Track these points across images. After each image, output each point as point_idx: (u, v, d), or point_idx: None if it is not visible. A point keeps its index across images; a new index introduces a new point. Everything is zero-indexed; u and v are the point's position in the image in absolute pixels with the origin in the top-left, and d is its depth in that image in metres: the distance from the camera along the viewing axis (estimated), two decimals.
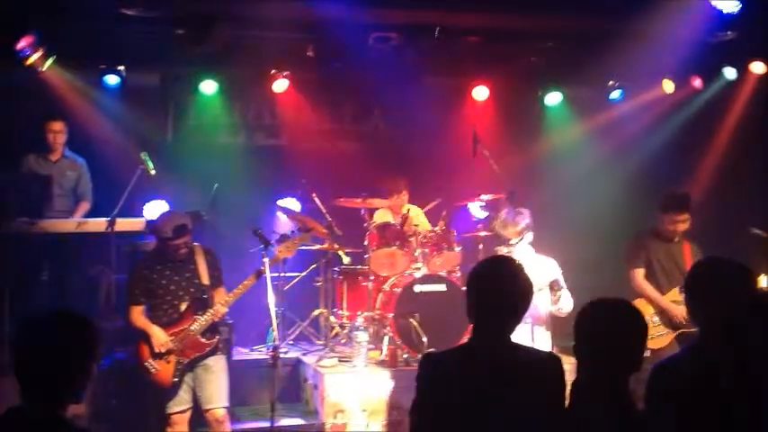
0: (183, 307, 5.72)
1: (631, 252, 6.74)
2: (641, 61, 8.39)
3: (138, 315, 5.74)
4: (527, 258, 5.64)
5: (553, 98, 9.57)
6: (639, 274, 6.65)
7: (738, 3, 7.54)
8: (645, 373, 3.18)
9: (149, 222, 7.23)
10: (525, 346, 3.39)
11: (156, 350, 5.61)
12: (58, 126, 7.58)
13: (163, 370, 5.63)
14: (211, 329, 5.74)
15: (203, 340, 5.70)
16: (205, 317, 5.68)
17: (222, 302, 5.73)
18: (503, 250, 5.74)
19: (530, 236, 5.79)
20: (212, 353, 5.76)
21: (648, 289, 6.59)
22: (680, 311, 6.35)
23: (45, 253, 7.07)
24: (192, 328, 5.66)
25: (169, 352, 5.62)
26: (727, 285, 3.26)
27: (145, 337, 5.66)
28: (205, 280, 5.79)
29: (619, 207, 8.46)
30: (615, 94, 9.44)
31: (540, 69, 9.13)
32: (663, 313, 6.48)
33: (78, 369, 2.77)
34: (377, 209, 8.09)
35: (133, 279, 5.80)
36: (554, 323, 5.70)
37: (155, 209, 7.68)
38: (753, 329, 2.90)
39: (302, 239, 6.48)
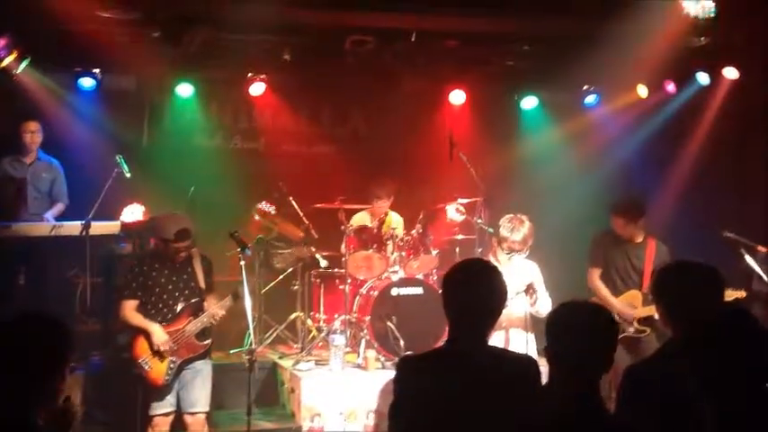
0: (179, 308, 5.71)
1: (590, 252, 6.83)
2: (616, 66, 8.44)
3: (132, 311, 5.69)
4: (509, 261, 5.65)
5: (529, 102, 9.62)
6: (595, 273, 6.74)
7: (712, 8, 7.62)
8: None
9: (126, 225, 7.20)
10: (501, 349, 3.42)
11: (157, 348, 5.58)
12: (33, 126, 7.53)
13: (156, 368, 5.61)
14: (204, 332, 5.74)
15: (198, 342, 5.69)
16: (201, 318, 5.67)
17: (220, 306, 5.72)
18: (500, 253, 5.69)
19: (522, 255, 5.79)
20: (203, 356, 5.76)
21: (602, 289, 6.66)
22: (630, 314, 6.43)
23: (20, 256, 7.02)
24: (187, 328, 5.65)
25: (165, 351, 5.59)
26: (696, 290, 3.30)
27: (141, 334, 5.63)
28: (201, 284, 5.80)
29: (594, 210, 8.49)
30: (590, 99, 9.51)
31: (516, 73, 9.18)
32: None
33: (52, 373, 2.75)
34: (355, 212, 8.10)
35: (132, 273, 5.75)
36: (537, 325, 5.71)
37: (133, 212, 7.64)
38: (722, 335, 2.93)
39: (300, 252, 6.49)
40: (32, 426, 2.72)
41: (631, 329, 6.46)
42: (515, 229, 5.65)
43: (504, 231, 5.68)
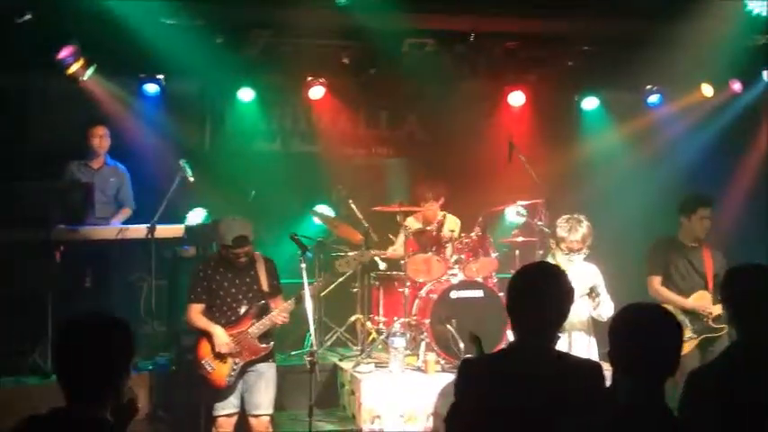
0: (242, 310, 5.78)
1: (649, 259, 6.72)
2: (679, 65, 8.31)
3: (198, 314, 5.79)
4: (570, 264, 5.61)
5: (590, 103, 9.52)
6: (656, 281, 6.61)
7: None
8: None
9: (189, 228, 7.31)
10: (565, 353, 3.37)
11: (217, 350, 5.66)
12: (101, 131, 7.69)
13: (218, 370, 5.69)
14: (267, 335, 5.79)
15: (260, 344, 5.75)
16: (263, 321, 5.73)
17: (282, 310, 5.78)
18: (559, 255, 5.66)
19: (582, 256, 5.74)
20: (266, 358, 5.82)
21: (666, 293, 6.53)
22: (706, 308, 6.30)
23: (86, 260, 7.16)
24: (249, 331, 5.72)
25: (227, 353, 5.67)
26: (759, 291, 3.23)
27: (205, 336, 5.72)
28: (265, 287, 5.86)
29: (656, 213, 8.36)
30: (653, 99, 9.36)
31: (576, 74, 9.08)
32: (686, 317, 6.41)
33: (117, 371, 2.82)
34: (411, 215, 8.09)
35: (197, 277, 5.85)
36: (598, 329, 5.64)
37: (196, 216, 7.77)
38: None
39: (363, 257, 6.52)
40: (101, 422, 2.78)
41: (708, 324, 6.33)
42: (573, 228, 5.62)
43: (561, 231, 5.64)
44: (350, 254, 6.26)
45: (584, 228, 5.64)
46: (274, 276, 5.97)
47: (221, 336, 5.67)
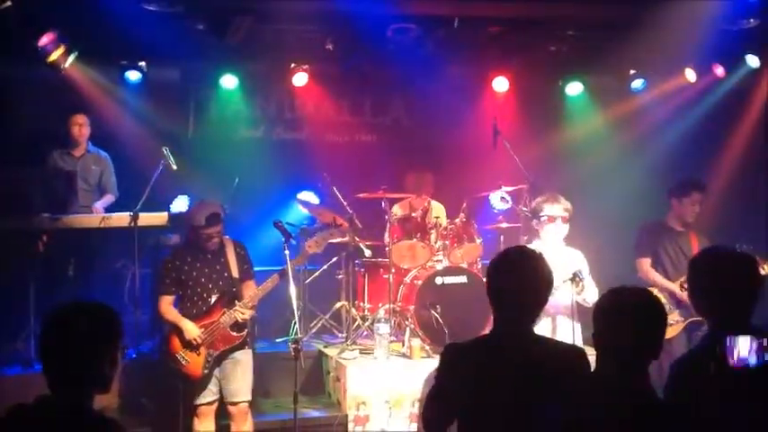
0: (213, 299, 5.75)
1: (638, 242, 6.80)
2: (663, 50, 8.32)
3: (168, 306, 5.76)
4: (555, 249, 5.63)
5: (574, 88, 9.53)
6: (646, 263, 6.71)
7: None
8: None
9: (173, 216, 7.29)
10: (547, 338, 3.39)
11: (189, 342, 5.65)
12: (81, 119, 7.64)
13: (193, 362, 5.68)
14: (239, 323, 5.76)
15: (233, 333, 5.73)
16: (234, 311, 5.71)
17: (248, 301, 5.74)
18: (550, 228, 5.67)
19: (566, 229, 5.75)
20: (241, 346, 5.80)
21: (656, 276, 6.63)
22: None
23: (70, 248, 7.13)
24: (221, 320, 5.70)
25: (200, 344, 5.66)
26: (728, 276, 3.23)
27: (176, 329, 5.70)
28: (235, 273, 5.82)
29: (641, 197, 8.40)
30: (637, 84, 9.37)
31: (560, 59, 9.06)
32: (672, 300, 6.46)
33: (103, 358, 2.81)
34: (397, 201, 8.09)
35: (165, 269, 5.81)
36: (582, 314, 5.66)
37: (180, 204, 7.75)
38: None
39: (332, 235, 6.48)
40: (86, 410, 2.78)
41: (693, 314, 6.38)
42: (556, 200, 5.68)
43: (548, 209, 5.67)
44: (318, 234, 6.22)
45: (563, 201, 5.70)
46: (245, 261, 5.93)
47: (191, 330, 5.65)
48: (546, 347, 3.27)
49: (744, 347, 2.99)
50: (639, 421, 2.85)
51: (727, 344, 3.00)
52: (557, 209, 5.69)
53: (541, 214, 5.72)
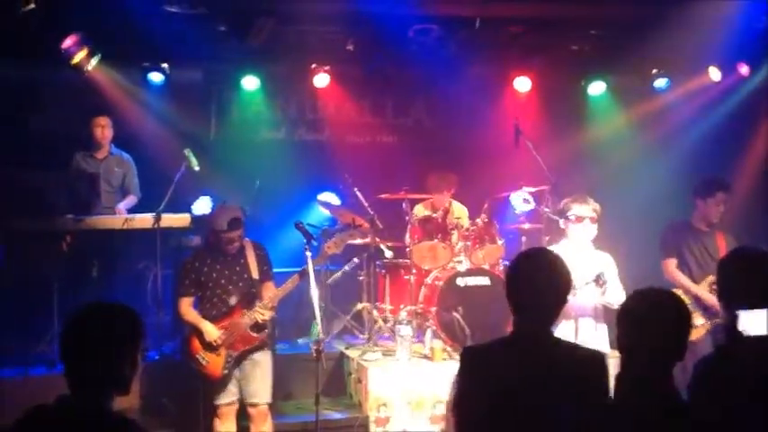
0: (233, 301, 5.76)
1: (664, 242, 6.72)
2: (686, 49, 8.24)
3: (188, 307, 5.78)
4: (582, 251, 5.57)
5: (596, 88, 9.47)
6: (671, 264, 6.64)
7: None
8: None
9: (196, 218, 7.32)
10: (567, 342, 3.36)
11: (209, 343, 5.67)
12: (104, 121, 7.68)
13: (213, 363, 5.69)
14: (259, 324, 5.76)
15: (252, 334, 5.73)
16: (254, 312, 5.72)
17: (268, 302, 5.74)
18: (578, 229, 5.61)
19: (594, 230, 5.69)
20: (260, 347, 5.80)
21: (681, 278, 6.55)
22: (715, 299, 6.26)
23: (93, 249, 7.18)
24: (241, 321, 5.70)
25: (219, 345, 5.67)
26: (757, 278, 3.19)
27: (195, 331, 5.72)
28: (255, 274, 5.83)
29: (665, 197, 8.33)
30: (660, 83, 9.30)
31: (582, 58, 9.02)
32: (698, 303, 6.40)
33: (124, 359, 2.81)
34: (418, 202, 8.07)
35: (184, 270, 5.83)
36: (609, 316, 5.61)
37: (202, 205, 7.78)
38: None
39: (351, 236, 6.47)
40: (106, 411, 2.78)
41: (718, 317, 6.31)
42: (584, 201, 5.62)
43: (576, 209, 5.60)
44: (337, 235, 6.20)
45: (592, 202, 5.64)
46: (265, 262, 5.93)
47: (211, 331, 5.66)
48: (564, 350, 3.25)
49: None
50: (664, 424, 2.82)
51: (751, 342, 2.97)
52: (585, 209, 5.63)
53: (569, 214, 5.65)
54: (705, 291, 6.44)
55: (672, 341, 2.94)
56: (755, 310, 3.09)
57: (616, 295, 5.46)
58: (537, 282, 3.20)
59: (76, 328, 2.81)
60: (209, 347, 5.67)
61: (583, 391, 3.05)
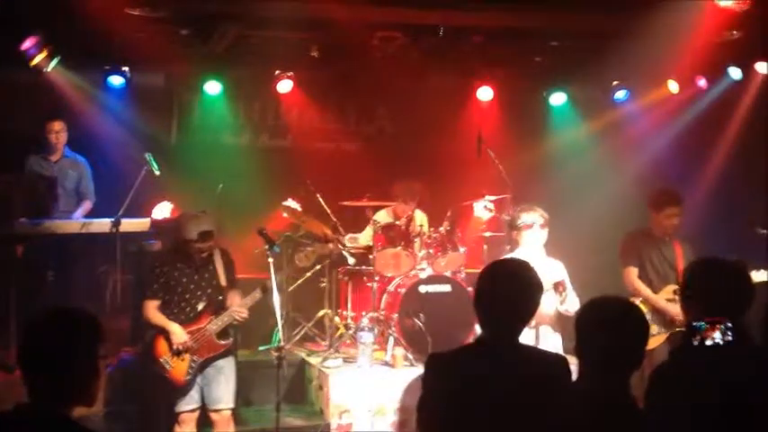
0: (200, 307, 5.71)
1: (624, 251, 6.78)
2: (646, 61, 8.36)
3: (154, 310, 5.71)
4: (535, 260, 5.62)
5: (558, 98, 9.56)
6: (633, 272, 6.70)
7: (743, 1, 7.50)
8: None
9: (155, 222, 7.24)
10: (531, 347, 3.38)
11: (175, 347, 5.59)
12: (58, 126, 7.60)
13: (177, 368, 5.62)
14: (225, 331, 5.73)
15: (218, 341, 5.69)
16: (222, 318, 5.67)
17: (241, 305, 5.72)
18: (529, 235, 5.66)
19: (544, 235, 5.74)
20: (225, 354, 5.76)
21: (641, 287, 6.62)
22: (675, 310, 6.34)
23: (50, 253, 7.08)
24: (208, 327, 5.66)
25: (185, 350, 5.61)
26: (723, 286, 3.23)
27: (162, 334, 5.65)
28: (223, 281, 5.80)
29: (624, 207, 8.43)
30: (620, 95, 9.41)
31: (544, 69, 9.11)
32: (656, 312, 6.48)
33: (83, 367, 2.76)
34: (381, 209, 8.07)
35: (154, 274, 5.76)
36: (565, 324, 5.67)
37: (162, 209, 7.70)
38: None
39: (322, 249, 6.48)
40: (66, 420, 2.73)
41: (677, 321, 6.38)
42: (531, 208, 5.68)
43: (526, 218, 5.66)
44: (308, 248, 6.21)
45: (539, 209, 5.71)
46: (231, 270, 5.90)
47: (179, 333, 5.60)
48: (529, 356, 3.27)
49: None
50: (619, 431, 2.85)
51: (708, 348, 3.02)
52: (533, 216, 5.69)
53: (518, 222, 5.72)
54: (663, 301, 6.53)
55: (628, 349, 2.97)
56: (717, 317, 3.13)
57: (572, 303, 5.52)
58: (508, 291, 3.20)
59: (35, 334, 2.76)
60: (175, 352, 5.61)
61: (549, 395, 3.07)
